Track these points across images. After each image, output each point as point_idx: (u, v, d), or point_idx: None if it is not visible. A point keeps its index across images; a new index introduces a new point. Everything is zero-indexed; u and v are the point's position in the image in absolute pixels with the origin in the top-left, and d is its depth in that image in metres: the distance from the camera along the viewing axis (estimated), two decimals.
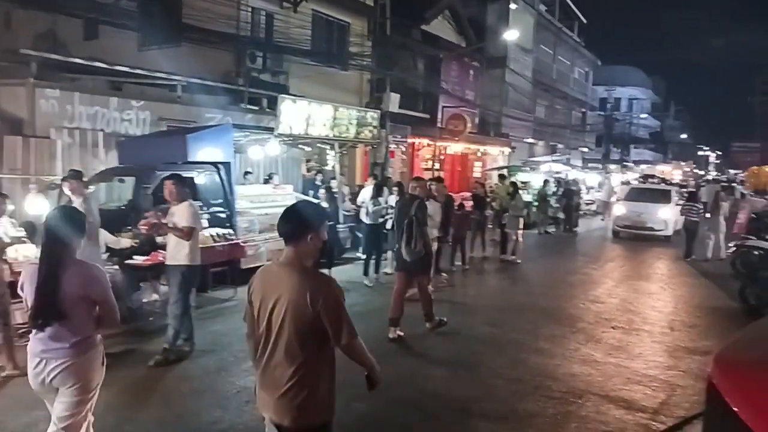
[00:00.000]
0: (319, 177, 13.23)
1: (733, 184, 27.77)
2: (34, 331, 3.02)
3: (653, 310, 8.57)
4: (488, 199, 14.29)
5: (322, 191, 9.56)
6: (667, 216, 16.63)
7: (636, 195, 18.21)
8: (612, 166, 42.97)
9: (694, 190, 19.20)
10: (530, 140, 31.08)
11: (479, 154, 24.71)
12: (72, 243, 3.06)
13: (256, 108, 13.61)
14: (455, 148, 21.95)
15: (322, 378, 2.56)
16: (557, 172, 27.04)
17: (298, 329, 2.45)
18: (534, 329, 7.28)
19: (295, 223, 2.60)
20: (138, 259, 7.00)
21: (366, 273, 9.66)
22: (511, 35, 22.50)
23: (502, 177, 18.49)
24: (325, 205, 9.19)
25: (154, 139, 10.04)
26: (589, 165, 39.20)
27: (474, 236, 12.36)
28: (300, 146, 12.39)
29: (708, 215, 14.26)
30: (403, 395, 5.08)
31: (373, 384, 2.70)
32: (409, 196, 7.22)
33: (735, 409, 1.14)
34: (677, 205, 17.33)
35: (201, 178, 8.88)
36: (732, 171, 67.04)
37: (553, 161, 29.01)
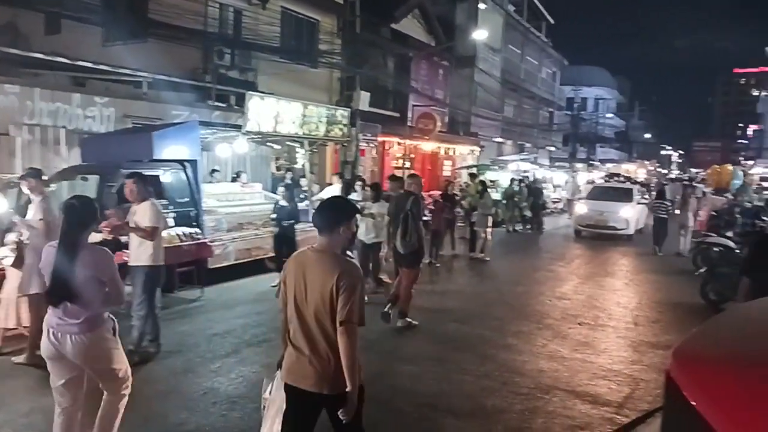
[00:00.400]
0: (289, 175, 13.14)
1: (695, 183, 28.51)
2: (50, 306, 3.38)
3: (618, 306, 8.75)
4: (458, 198, 14.42)
5: (281, 188, 9.40)
6: (628, 215, 16.51)
7: (598, 194, 18.10)
8: (579, 165, 43.72)
9: (662, 188, 19.52)
10: (499, 139, 31.41)
11: (449, 153, 24.88)
12: (86, 229, 3.47)
13: (223, 105, 13.44)
14: (426, 146, 22.05)
15: None
16: (525, 171, 27.41)
17: (327, 307, 2.78)
18: (502, 326, 7.36)
19: (329, 215, 2.96)
20: None
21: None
22: (479, 35, 22.70)
23: (471, 176, 18.65)
24: (283, 203, 9.04)
25: (119, 137, 9.83)
26: (557, 164, 39.81)
27: (444, 234, 12.43)
28: (269, 144, 12.29)
29: (678, 211, 15.05)
30: (370, 392, 5.05)
31: (349, 406, 2.80)
32: (404, 191, 7.56)
33: (693, 402, 1.16)
34: (639, 203, 17.62)
35: (167, 177, 8.73)
36: (693, 170, 68.85)
37: (521, 160, 29.41)
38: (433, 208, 12.20)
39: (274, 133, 10.47)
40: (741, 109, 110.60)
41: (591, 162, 47.82)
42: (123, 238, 6.75)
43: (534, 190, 19.70)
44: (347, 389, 2.77)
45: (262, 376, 5.40)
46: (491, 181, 20.09)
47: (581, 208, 17.49)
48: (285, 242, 8.92)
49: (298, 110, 10.76)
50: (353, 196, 10.07)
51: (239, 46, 14.36)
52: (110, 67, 10.92)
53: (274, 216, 9.14)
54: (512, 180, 20.79)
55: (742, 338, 1.51)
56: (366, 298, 3.13)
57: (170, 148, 8.41)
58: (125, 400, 3.63)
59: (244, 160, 12.93)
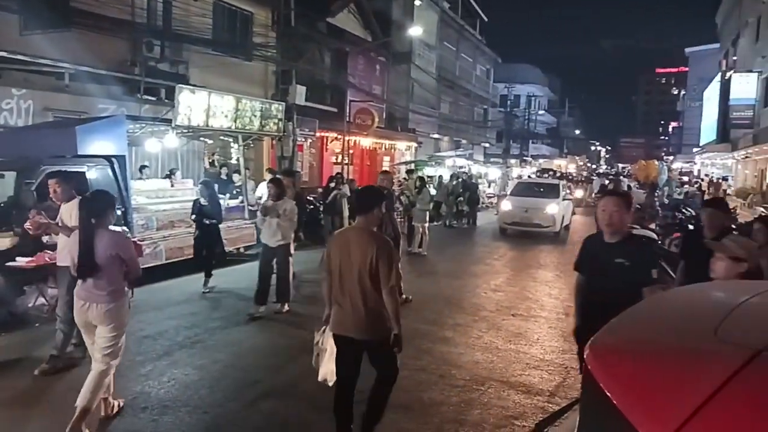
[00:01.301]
0: (224, 171, 12.84)
1: (621, 177, 29.80)
2: (79, 281, 4.17)
3: (550, 297, 9.03)
4: (396, 194, 14.50)
5: (200, 186, 8.83)
6: (554, 211, 15.94)
7: (523, 190, 17.49)
8: (512, 161, 44.87)
9: (604, 183, 19.97)
10: (436, 135, 31.81)
11: (388, 149, 24.98)
12: (104, 217, 4.20)
13: (153, 99, 12.95)
14: (364, 142, 22.05)
15: (383, 308, 3.73)
16: (461, 167, 27.91)
17: (367, 274, 3.65)
18: (439, 319, 7.45)
19: (365, 200, 3.93)
20: (21, 261, 6.47)
21: None
22: (415, 31, 22.87)
23: (409, 171, 18.81)
24: (203, 202, 8.51)
25: (40, 131, 9.29)
26: (491, 160, 40.74)
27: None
28: (201, 139, 11.95)
29: None
30: (307, 391, 5.04)
31: (397, 344, 3.79)
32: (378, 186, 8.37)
33: (608, 394, 1.18)
34: (565, 199, 17.29)
35: (92, 173, 8.33)
36: (620, 164, 72.04)
37: (458, 156, 29.91)
38: None
39: (206, 128, 10.20)
40: (662, 107, 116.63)
41: (524, 158, 49.19)
42: (44, 238, 6.42)
43: (470, 185, 20.07)
44: (394, 332, 3.73)
45: (196, 378, 5.28)
46: (429, 177, 20.35)
47: (506, 205, 16.69)
48: (206, 243, 8.62)
49: (231, 104, 10.52)
50: (260, 193, 9.77)
51: (169, 37, 13.85)
52: (29, 57, 10.30)
53: (193, 216, 8.68)
54: (452, 175, 21.14)
55: (654, 329, 1.56)
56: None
57: (96, 144, 8.03)
58: (110, 372, 4.23)
59: (175, 156, 12.52)
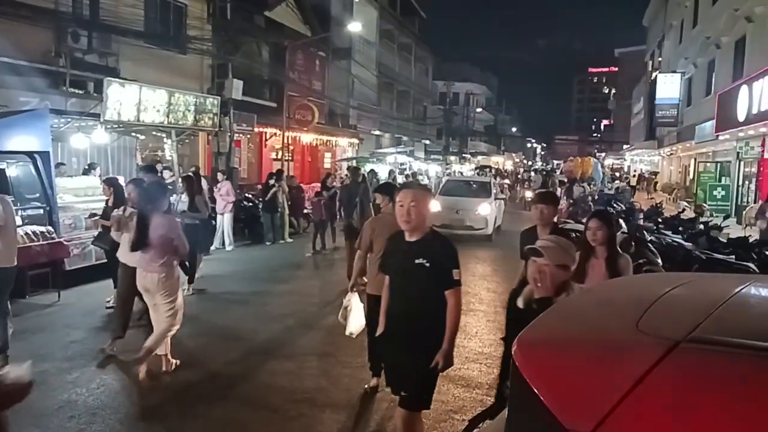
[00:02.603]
0: (159, 167, 12.41)
1: (553, 173, 30.69)
2: (140, 254, 5.11)
3: (488, 292, 9.20)
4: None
5: (129, 185, 8.34)
6: (486, 212, 14.63)
7: (453, 189, 16.14)
8: (452, 158, 45.51)
9: (545, 179, 20.18)
10: (377, 132, 31.87)
11: (329, 145, 24.83)
12: (156, 203, 5.17)
13: (80, 92, 12.35)
14: (305, 138, 21.82)
15: None
16: (402, 164, 28.07)
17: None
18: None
19: (389, 190, 5.10)
20: None
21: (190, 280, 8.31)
22: (355, 27, 22.81)
23: (351, 168, 18.73)
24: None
25: None
26: (432, 157, 41.21)
27: (326, 225, 12.41)
28: (133, 134, 11.51)
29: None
30: (247, 392, 4.96)
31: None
32: (353, 181, 10.36)
33: (534, 388, 1.19)
34: (498, 198, 16.28)
35: (13, 170, 7.88)
36: (555, 161, 74.34)
37: (398, 153, 30.08)
38: (314, 200, 12.20)
39: (137, 123, 9.83)
40: (595, 105, 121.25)
41: (463, 155, 49.99)
42: None
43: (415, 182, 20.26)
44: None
45: (128, 383, 5.07)
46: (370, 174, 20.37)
47: (435, 205, 16.09)
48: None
49: (164, 98, 10.19)
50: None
51: (97, 28, 13.24)
52: None
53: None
54: (390, 172, 21.23)
55: (579, 322, 1.59)
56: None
57: (16, 138, 7.61)
58: (172, 329, 5.17)
59: (105, 152, 12.01)
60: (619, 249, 4.18)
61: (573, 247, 3.01)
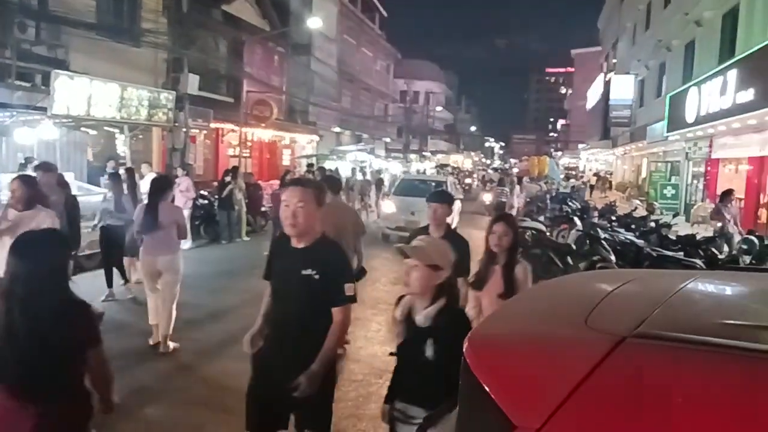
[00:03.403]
0: (111, 164, 12.05)
1: (509, 172, 31.19)
2: (146, 240, 5.79)
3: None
4: None
5: (105, 180, 8.17)
6: None
7: (407, 188, 15.16)
8: (412, 156, 45.76)
9: (502, 177, 20.39)
10: (337, 129, 31.75)
11: (288, 142, 24.60)
12: (164, 194, 5.84)
13: (27, 85, 11.85)
14: (263, 135, 21.55)
15: None
16: (362, 161, 28.05)
17: None
18: None
19: (330, 182, 5.27)
20: None
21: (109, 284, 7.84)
22: (314, 23, 22.64)
23: (310, 165, 18.60)
24: (108, 197, 7.82)
25: None
26: (392, 154, 41.36)
27: None
28: (83, 129, 11.14)
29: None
30: (199, 395, 4.86)
31: None
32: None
33: (484, 385, 1.19)
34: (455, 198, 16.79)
35: None
36: (513, 160, 75.55)
37: (359, 150, 30.05)
38: (273, 197, 12.02)
39: (88, 117, 9.52)
40: (551, 105, 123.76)
41: (423, 153, 50.32)
42: None
43: (378, 180, 20.34)
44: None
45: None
46: (331, 171, 20.27)
47: (389, 206, 14.17)
48: (112, 246, 7.95)
49: (116, 92, 9.90)
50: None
51: (46, 18, 12.74)
52: None
53: (98, 220, 7.93)
54: (353, 170, 21.20)
55: (529, 319, 1.60)
56: None
57: None
58: (176, 300, 5.80)
59: (53, 147, 11.58)
60: (519, 257, 3.84)
61: (448, 248, 2.72)
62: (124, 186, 7.77)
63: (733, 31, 15.66)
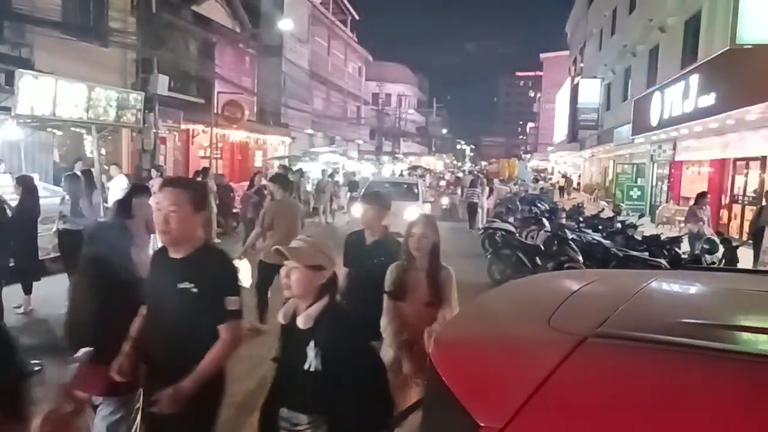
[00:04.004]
0: (79, 165, 11.82)
1: (480, 174, 31.50)
2: None
3: None
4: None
5: (63, 182, 7.67)
6: (414, 218, 13.32)
7: (377, 191, 14.80)
8: (384, 158, 45.88)
9: (474, 179, 20.50)
10: (309, 131, 31.62)
11: (260, 144, 24.42)
12: (140, 196, 5.26)
13: None
14: (235, 136, 21.35)
15: None
16: (335, 163, 28.01)
17: None
18: None
19: (280, 180, 5.53)
20: None
21: None
22: (285, 24, 22.54)
23: (283, 167, 18.50)
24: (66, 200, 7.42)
25: None
26: (365, 157, 41.40)
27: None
28: (49, 130, 10.90)
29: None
30: None
31: None
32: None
33: (449, 386, 1.21)
34: (426, 202, 14.87)
35: None
36: (483, 162, 76.27)
37: (332, 152, 30.00)
38: (242, 199, 11.98)
39: (54, 118, 9.31)
40: (521, 108, 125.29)
41: (395, 155, 50.48)
42: None
43: (352, 183, 20.31)
44: None
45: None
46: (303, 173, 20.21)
47: (357, 210, 13.14)
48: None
49: (83, 92, 9.71)
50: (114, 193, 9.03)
51: (9, 16, 12.42)
52: None
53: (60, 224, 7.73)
54: (323, 172, 21.13)
55: (495, 320, 1.64)
56: None
57: None
58: None
59: (18, 148, 11.30)
60: (440, 261, 3.53)
61: (328, 248, 2.53)
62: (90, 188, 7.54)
63: (695, 37, 16.09)
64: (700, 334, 1.27)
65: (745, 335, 1.42)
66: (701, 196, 11.18)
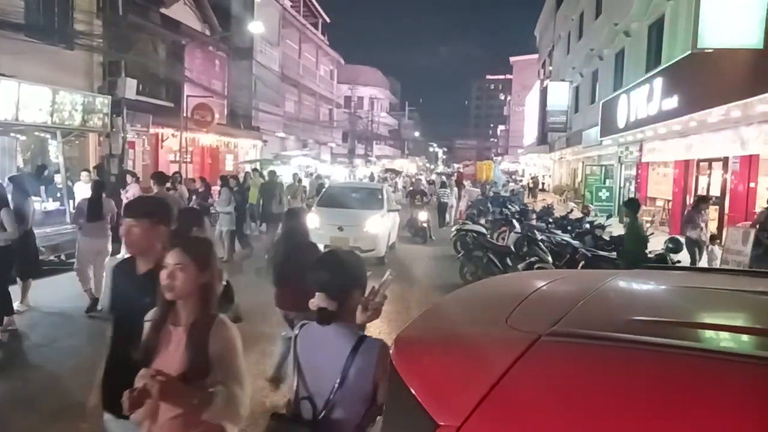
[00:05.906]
0: (48, 171, 11.59)
1: (452, 177, 31.70)
2: (88, 226, 7.44)
3: (391, 294, 9.29)
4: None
5: (7, 183, 7.39)
6: (377, 229, 11.31)
7: (335, 198, 12.58)
8: (357, 161, 45.89)
9: (443, 180, 20.31)
10: (281, 134, 31.44)
11: (231, 147, 24.20)
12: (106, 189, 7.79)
13: None
14: (205, 140, 21.12)
15: None
16: (308, 166, 27.90)
17: None
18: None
19: (157, 178, 7.84)
20: None
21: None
22: (256, 27, 22.40)
23: (255, 171, 18.37)
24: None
25: None
26: (338, 159, 41.32)
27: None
28: (12, 134, 10.65)
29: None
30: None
31: None
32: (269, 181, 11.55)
33: (408, 387, 1.24)
34: (392, 210, 12.81)
35: None
36: (455, 165, 76.73)
37: (304, 155, 29.86)
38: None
39: (16, 122, 9.11)
40: (491, 111, 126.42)
41: (368, 158, 50.50)
42: None
43: (319, 186, 20.26)
44: None
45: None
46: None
47: (313, 219, 10.35)
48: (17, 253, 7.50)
49: (47, 96, 9.52)
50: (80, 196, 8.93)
51: None
52: None
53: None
54: (294, 175, 21.02)
55: (454, 320, 1.67)
56: None
57: None
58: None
59: None
60: (227, 305, 2.89)
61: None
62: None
63: (658, 42, 16.46)
64: (651, 332, 1.29)
65: (697, 332, 1.45)
66: (701, 200, 10.47)
